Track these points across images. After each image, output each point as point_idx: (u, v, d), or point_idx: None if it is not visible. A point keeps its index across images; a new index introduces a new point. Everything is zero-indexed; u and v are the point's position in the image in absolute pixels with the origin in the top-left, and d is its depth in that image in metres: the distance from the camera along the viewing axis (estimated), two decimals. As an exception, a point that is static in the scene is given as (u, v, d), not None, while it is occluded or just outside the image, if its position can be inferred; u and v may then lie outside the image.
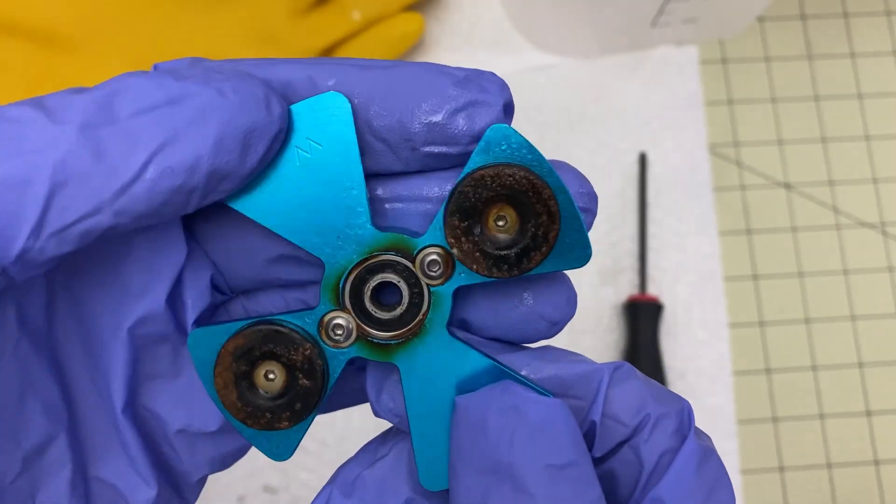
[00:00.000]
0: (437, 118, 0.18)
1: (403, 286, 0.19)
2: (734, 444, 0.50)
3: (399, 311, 0.19)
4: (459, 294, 0.20)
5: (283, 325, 0.19)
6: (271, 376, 0.19)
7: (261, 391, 0.19)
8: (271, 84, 0.18)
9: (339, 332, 0.19)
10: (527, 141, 0.19)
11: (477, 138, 0.19)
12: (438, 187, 0.20)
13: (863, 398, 0.51)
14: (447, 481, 0.19)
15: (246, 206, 0.18)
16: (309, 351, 0.19)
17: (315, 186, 0.19)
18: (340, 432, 0.49)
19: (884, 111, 0.56)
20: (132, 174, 0.16)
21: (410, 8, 0.53)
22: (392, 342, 0.19)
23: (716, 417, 0.50)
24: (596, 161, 0.54)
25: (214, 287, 0.21)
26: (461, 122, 0.19)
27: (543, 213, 0.18)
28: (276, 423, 0.19)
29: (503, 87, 0.19)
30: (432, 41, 0.55)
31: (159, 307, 0.20)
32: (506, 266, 0.18)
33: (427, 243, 0.19)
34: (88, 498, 0.19)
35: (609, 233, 0.52)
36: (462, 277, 0.19)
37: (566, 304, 0.20)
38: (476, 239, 0.18)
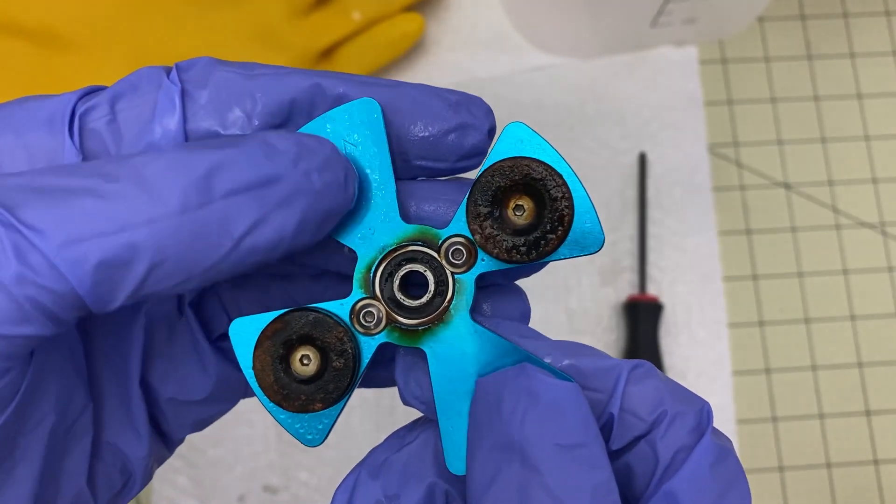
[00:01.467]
0: (430, 136, 0.21)
1: (429, 275, 0.21)
2: (734, 444, 0.50)
3: (425, 298, 0.20)
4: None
5: (318, 311, 0.20)
6: (306, 361, 0.20)
7: (296, 374, 0.20)
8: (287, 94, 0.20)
9: (370, 318, 0.21)
10: (541, 137, 0.20)
11: (464, 157, 0.21)
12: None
13: (862, 398, 0.52)
14: None
15: None
16: (342, 334, 0.20)
17: None
18: (341, 432, 0.49)
19: (883, 111, 0.56)
20: (223, 254, 0.17)
21: (410, 8, 0.53)
22: (419, 328, 0.21)
23: (715, 417, 0.50)
24: (596, 161, 0.54)
25: None
26: (451, 141, 0.21)
27: (557, 200, 0.20)
28: (310, 405, 0.20)
29: (489, 112, 0.21)
30: (432, 41, 0.55)
31: None
32: (524, 250, 0.20)
33: (451, 233, 0.21)
34: (100, 459, 0.21)
35: (609, 233, 0.52)
36: (484, 264, 0.20)
37: (520, 317, 0.22)
38: (496, 225, 0.20)
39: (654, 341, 0.50)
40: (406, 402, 0.21)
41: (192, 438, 0.49)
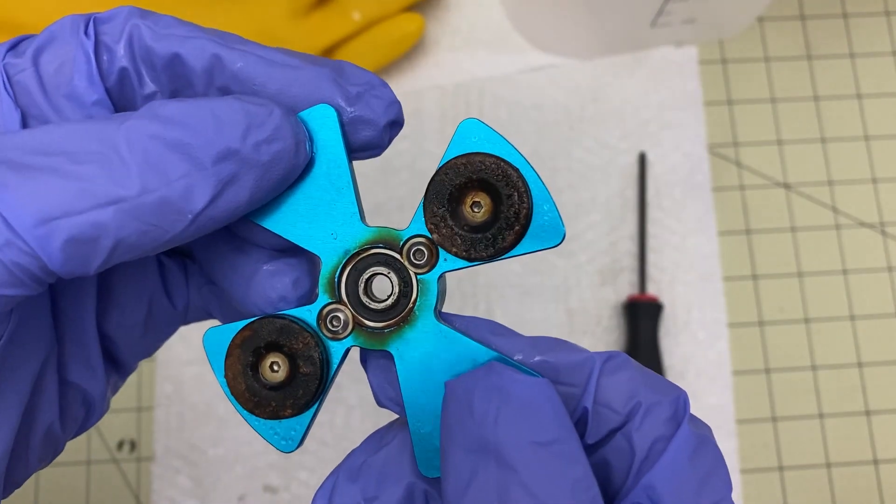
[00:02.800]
0: None
1: (393, 276, 0.21)
2: (733, 444, 0.50)
3: (390, 300, 0.21)
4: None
5: (285, 318, 0.20)
6: (276, 368, 0.20)
7: (266, 381, 0.20)
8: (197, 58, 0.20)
9: (337, 323, 0.21)
10: (495, 132, 0.20)
11: (356, 150, 0.20)
12: None
13: (862, 398, 0.52)
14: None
15: (251, 211, 0.20)
16: (309, 340, 0.20)
17: (310, 190, 0.20)
18: (340, 432, 0.49)
19: (883, 111, 0.56)
20: (182, 227, 0.18)
21: (410, 8, 0.53)
22: (385, 330, 0.21)
23: (715, 417, 0.50)
24: (596, 161, 0.54)
25: None
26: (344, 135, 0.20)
27: (514, 194, 0.19)
28: (281, 412, 0.20)
29: (391, 105, 0.21)
30: (432, 41, 0.55)
31: None
32: (483, 247, 0.20)
33: (411, 234, 0.20)
34: (63, 396, 0.22)
35: (609, 233, 0.53)
36: (445, 263, 0.20)
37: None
38: (454, 224, 0.20)
39: (654, 341, 0.50)
40: (380, 404, 0.21)
41: (192, 438, 0.49)
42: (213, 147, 0.18)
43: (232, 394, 0.20)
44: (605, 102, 0.55)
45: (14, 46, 0.20)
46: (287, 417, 0.20)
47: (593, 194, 0.53)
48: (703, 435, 0.19)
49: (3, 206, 0.16)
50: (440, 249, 0.20)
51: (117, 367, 0.25)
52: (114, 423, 0.50)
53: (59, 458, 0.49)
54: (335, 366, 0.21)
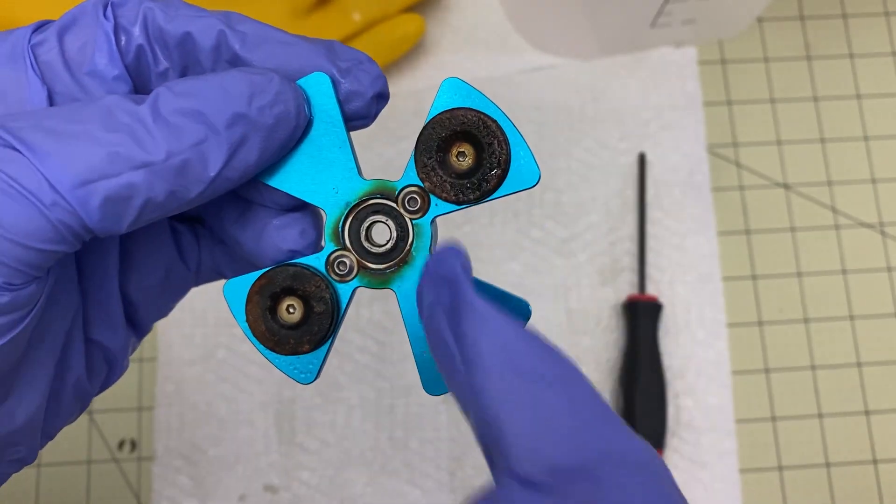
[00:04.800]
0: None
1: (390, 223, 0.23)
2: (733, 444, 0.50)
3: (389, 244, 0.23)
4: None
5: (297, 265, 0.23)
6: (292, 310, 0.23)
7: (284, 322, 0.23)
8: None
9: (343, 267, 0.23)
10: (475, 89, 0.23)
11: (350, 118, 0.23)
12: None
13: (861, 398, 0.52)
14: (445, 389, 0.23)
15: (260, 172, 0.23)
16: (320, 283, 0.23)
17: (311, 150, 0.23)
18: (341, 432, 0.49)
19: (882, 112, 0.56)
20: (202, 188, 0.20)
21: (410, 9, 0.53)
22: (387, 271, 0.23)
23: (715, 417, 0.50)
24: (595, 161, 0.54)
25: None
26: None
27: (493, 143, 0.22)
28: (300, 348, 0.23)
29: (377, 78, 0.24)
30: (432, 42, 0.55)
31: None
32: (470, 191, 0.23)
33: (405, 184, 0.23)
34: (89, 354, 0.24)
35: (608, 233, 0.53)
36: (437, 208, 0.23)
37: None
38: (442, 172, 0.23)
39: (654, 341, 0.50)
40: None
41: (192, 438, 0.49)
42: (224, 113, 0.20)
43: (254, 335, 0.23)
44: (604, 102, 0.55)
45: (37, 30, 0.22)
46: (305, 353, 0.23)
47: (593, 194, 0.53)
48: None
49: (48, 170, 0.18)
50: (431, 196, 0.23)
51: (135, 327, 0.27)
52: (114, 423, 0.50)
53: (60, 458, 0.49)
54: (344, 305, 0.23)
